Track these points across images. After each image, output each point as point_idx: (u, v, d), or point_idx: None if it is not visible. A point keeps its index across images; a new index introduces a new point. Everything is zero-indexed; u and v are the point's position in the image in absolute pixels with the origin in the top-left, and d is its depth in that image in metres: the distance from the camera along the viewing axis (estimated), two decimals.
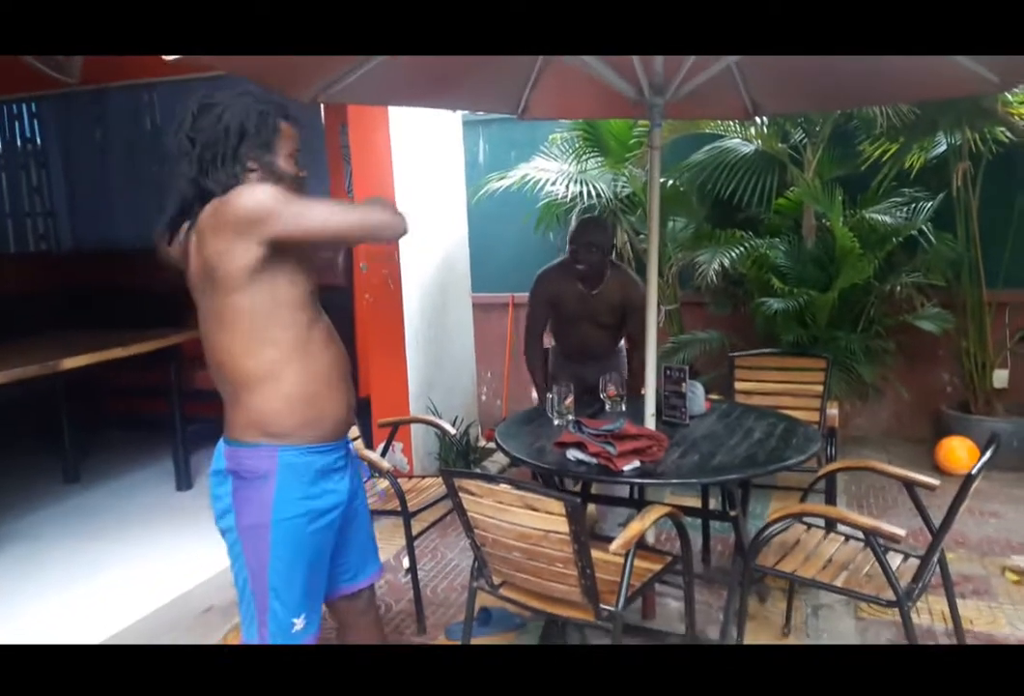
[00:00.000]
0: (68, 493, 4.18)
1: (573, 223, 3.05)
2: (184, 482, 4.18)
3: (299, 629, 1.73)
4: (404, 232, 1.70)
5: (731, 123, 4.15)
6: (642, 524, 2.10)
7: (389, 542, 3.55)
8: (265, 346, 1.64)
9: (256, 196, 1.56)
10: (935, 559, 2.18)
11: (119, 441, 4.94)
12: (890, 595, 2.09)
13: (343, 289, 4.67)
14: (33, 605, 2.97)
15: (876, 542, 2.09)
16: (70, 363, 3.39)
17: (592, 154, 4.50)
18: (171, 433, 4.17)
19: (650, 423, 2.64)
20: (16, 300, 4.95)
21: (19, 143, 5.48)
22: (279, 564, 1.68)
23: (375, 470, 3.09)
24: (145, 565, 3.28)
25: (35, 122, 5.45)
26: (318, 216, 1.60)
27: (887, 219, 3.99)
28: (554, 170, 4.52)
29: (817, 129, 4.12)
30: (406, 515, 2.82)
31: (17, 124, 5.43)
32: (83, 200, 5.55)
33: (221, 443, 1.74)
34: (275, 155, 1.69)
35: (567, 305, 3.22)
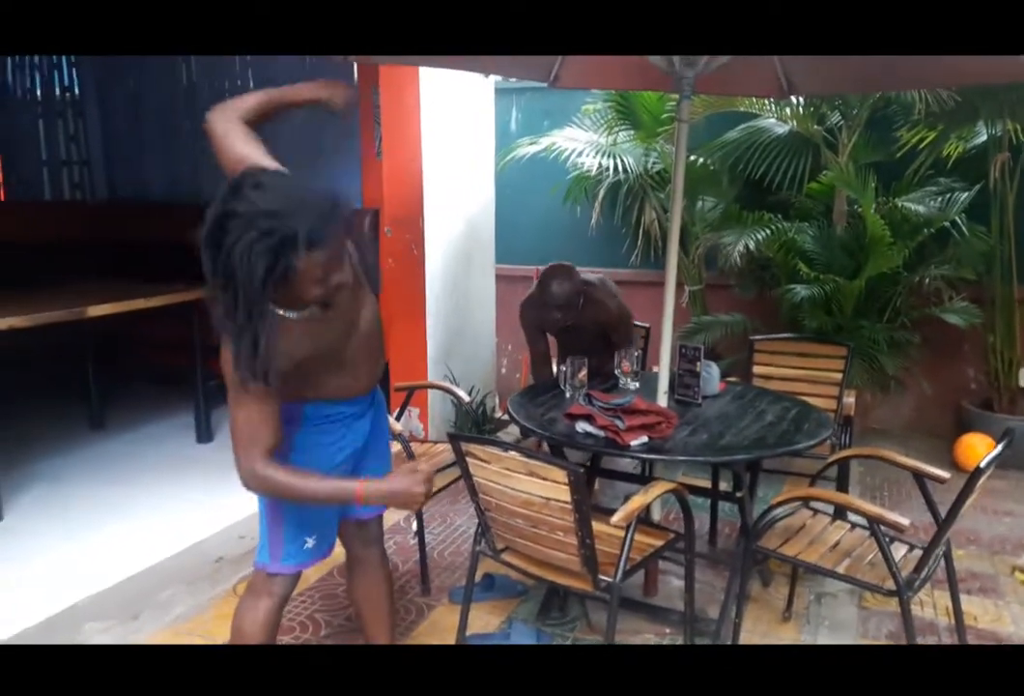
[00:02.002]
0: (92, 439, 4.27)
1: (540, 276, 2.91)
2: (204, 435, 4.25)
3: (310, 546, 1.90)
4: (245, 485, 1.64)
5: (766, 102, 4.07)
6: (644, 498, 2.12)
7: None
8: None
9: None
10: (939, 551, 2.17)
11: (143, 393, 5.02)
12: (891, 584, 2.09)
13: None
14: (52, 545, 3.05)
15: (879, 530, 2.09)
16: (94, 311, 3.45)
17: (624, 126, 4.44)
18: (193, 387, 4.24)
19: (662, 401, 2.65)
20: (50, 248, 5.02)
21: (57, 91, 5.52)
22: None
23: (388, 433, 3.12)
24: (162, 513, 3.35)
25: (73, 71, 5.47)
26: (233, 421, 1.62)
27: (920, 208, 3.91)
28: (583, 140, 4.47)
29: (854, 112, 4.03)
30: None
31: (56, 73, 5.46)
32: (117, 150, 5.60)
33: None
34: (294, 290, 1.52)
35: (553, 330, 3.15)
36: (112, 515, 3.33)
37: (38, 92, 5.50)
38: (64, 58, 5.44)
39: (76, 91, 5.53)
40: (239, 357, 1.52)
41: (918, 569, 2.10)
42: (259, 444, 1.61)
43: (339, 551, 3.13)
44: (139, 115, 5.43)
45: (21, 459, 3.87)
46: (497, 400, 4.74)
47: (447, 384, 3.62)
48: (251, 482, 1.63)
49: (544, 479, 1.96)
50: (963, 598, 2.47)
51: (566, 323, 2.97)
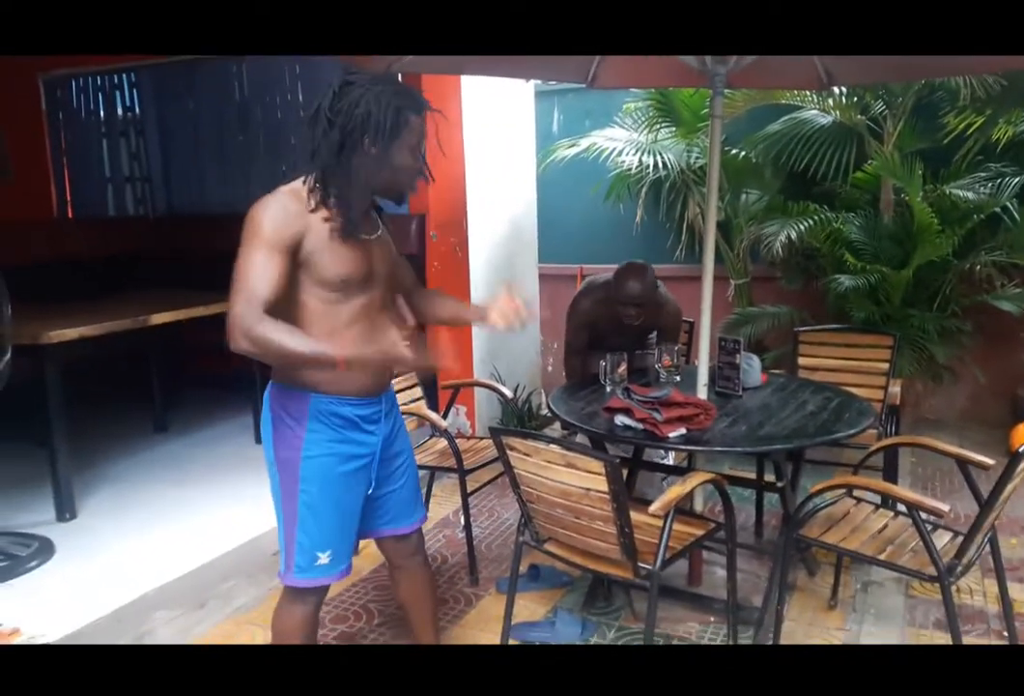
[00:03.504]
0: (157, 442, 4.48)
1: (615, 277, 3.01)
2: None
3: (323, 563, 1.84)
4: (232, 342, 1.61)
5: (808, 93, 4.06)
6: (683, 488, 2.16)
7: (448, 500, 3.70)
8: (295, 309, 1.73)
9: (256, 211, 1.66)
10: (982, 537, 2.16)
11: (202, 397, 5.23)
12: (932, 571, 2.09)
13: (416, 256, 4.81)
14: (121, 541, 3.21)
15: (919, 516, 2.09)
16: (157, 319, 3.63)
17: (664, 124, 4.47)
18: (250, 390, 4.40)
19: (702, 393, 2.68)
20: (115, 261, 5.27)
21: (120, 112, 5.78)
22: (307, 497, 1.80)
23: (435, 429, 3.22)
24: (222, 510, 3.50)
25: (134, 91, 5.73)
26: (240, 268, 1.64)
27: (969, 195, 3.86)
28: (623, 139, 4.51)
29: (898, 100, 3.99)
30: (461, 472, 2.94)
31: (118, 93, 5.72)
32: (176, 167, 5.84)
33: (269, 383, 1.86)
34: (399, 147, 1.71)
35: (603, 329, 3.19)
36: (175, 513, 3.49)
37: (101, 113, 5.76)
38: (125, 79, 5.70)
39: (137, 110, 5.78)
40: (318, 191, 1.69)
41: (959, 555, 2.10)
42: (260, 296, 1.59)
43: None
44: (195, 132, 5.65)
45: (91, 462, 4.07)
46: (543, 397, 4.80)
47: (491, 382, 3.70)
48: (241, 337, 1.58)
49: (582, 470, 2.01)
50: (1014, 586, 2.45)
51: (636, 321, 3.01)
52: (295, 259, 1.68)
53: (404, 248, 4.81)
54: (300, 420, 1.78)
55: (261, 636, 2.61)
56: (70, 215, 6.02)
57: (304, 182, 1.72)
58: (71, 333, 3.24)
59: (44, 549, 3.13)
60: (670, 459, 3.28)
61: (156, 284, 4.87)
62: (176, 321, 3.77)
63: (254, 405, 4.41)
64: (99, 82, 5.73)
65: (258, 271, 1.61)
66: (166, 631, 2.64)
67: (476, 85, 3.98)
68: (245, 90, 5.41)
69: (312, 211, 1.70)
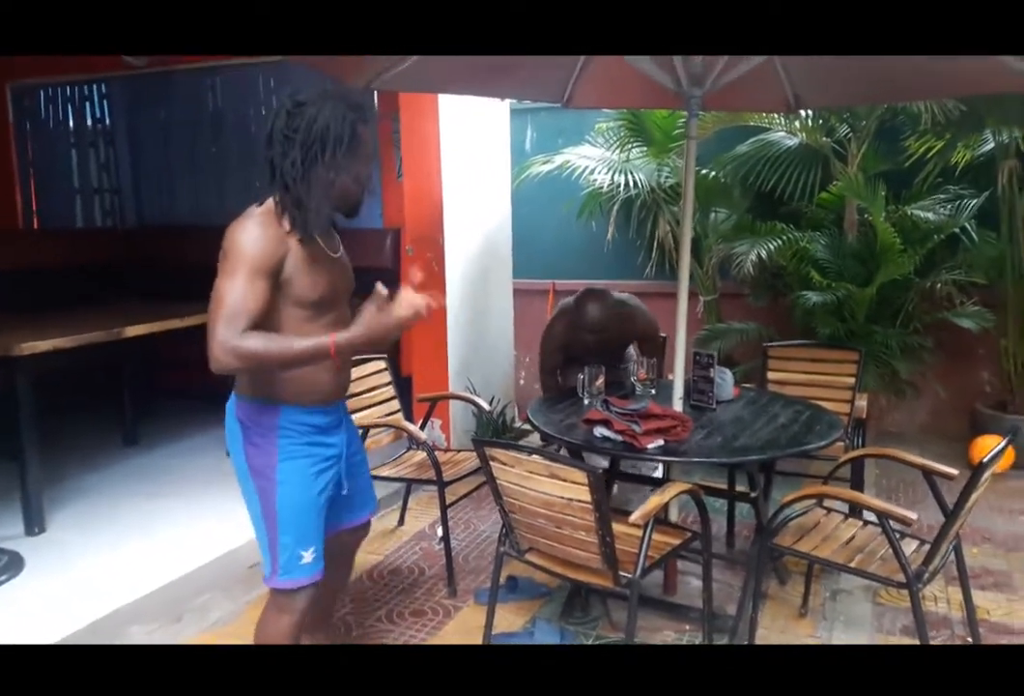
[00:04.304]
0: (127, 455, 4.42)
1: (575, 301, 3.11)
2: None
3: (308, 561, 1.91)
4: (216, 363, 1.65)
5: (775, 116, 4.18)
6: (661, 498, 2.21)
7: (424, 512, 3.72)
8: (271, 328, 1.76)
9: (237, 234, 1.70)
10: (947, 545, 2.25)
11: (173, 410, 5.18)
12: (901, 577, 2.17)
13: (390, 271, 4.84)
14: (93, 555, 3.17)
15: (889, 525, 2.17)
16: (132, 331, 3.60)
17: (636, 143, 4.57)
18: (222, 403, 4.37)
19: (678, 406, 2.74)
20: (83, 272, 5.21)
21: (89, 122, 5.74)
22: (286, 499, 1.88)
23: (413, 442, 3.24)
24: (196, 523, 3.47)
25: (104, 102, 5.70)
26: (221, 291, 1.67)
27: (930, 216, 4.00)
28: (596, 158, 4.60)
29: (862, 124, 4.14)
30: (441, 484, 2.96)
31: (87, 104, 5.69)
32: (147, 178, 5.82)
33: (232, 396, 1.93)
34: (355, 157, 1.78)
35: (579, 349, 3.27)
36: (148, 526, 3.45)
37: (70, 123, 5.72)
38: (95, 89, 5.67)
39: (107, 121, 5.75)
40: (287, 196, 1.74)
41: (927, 562, 2.18)
42: (242, 318, 1.63)
43: (368, 556, 3.26)
44: (166, 143, 5.64)
45: (59, 475, 4.01)
46: (516, 411, 4.84)
47: (468, 394, 3.74)
48: (227, 356, 1.61)
49: (565, 481, 2.06)
50: (977, 593, 2.55)
51: (599, 346, 3.12)
52: (275, 281, 1.73)
53: (378, 262, 4.87)
54: (272, 429, 1.86)
55: None
56: (36, 226, 5.96)
57: (274, 203, 1.76)
58: (44, 345, 3.21)
59: (13, 563, 3.08)
60: (659, 471, 3.34)
61: (126, 296, 4.84)
62: (149, 333, 3.75)
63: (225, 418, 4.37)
64: (68, 92, 5.70)
65: (239, 294, 1.65)
66: (144, 644, 2.62)
67: (453, 103, 4.04)
68: (218, 101, 5.42)
69: (289, 233, 1.75)
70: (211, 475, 4.06)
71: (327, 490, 1.96)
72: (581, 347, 3.22)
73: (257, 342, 1.64)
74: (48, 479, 3.82)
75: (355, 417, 3.13)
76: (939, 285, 4.14)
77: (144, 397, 4.85)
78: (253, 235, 1.70)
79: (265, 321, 1.72)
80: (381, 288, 1.71)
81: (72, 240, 5.61)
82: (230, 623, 2.78)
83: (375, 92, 4.59)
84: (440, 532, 3.39)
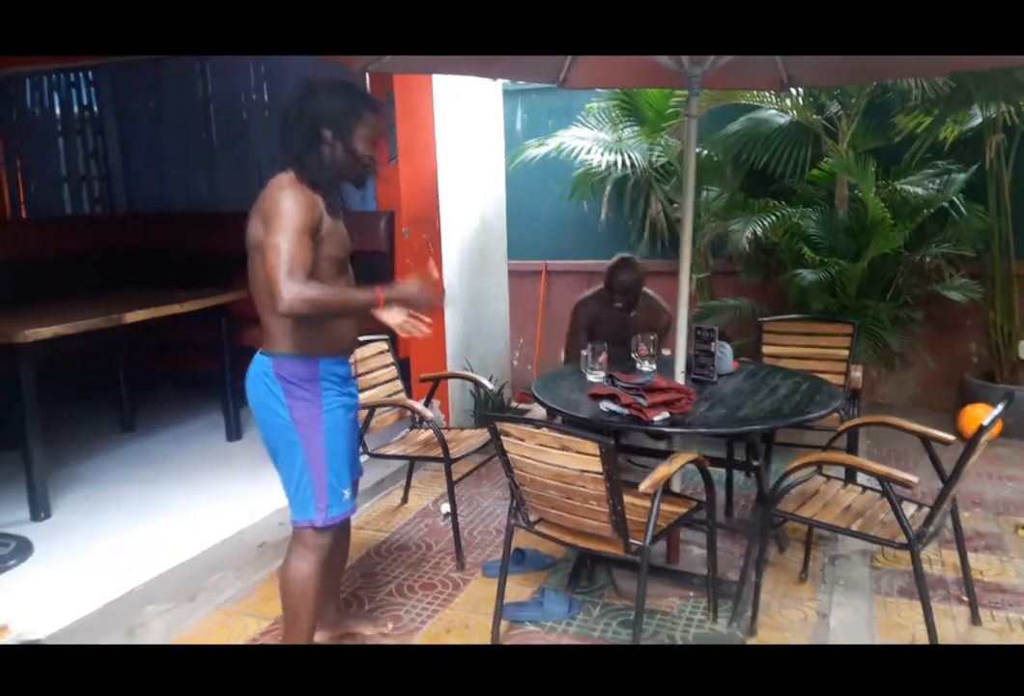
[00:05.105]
0: (125, 441, 4.44)
1: (608, 268, 3.59)
2: (234, 433, 4.40)
3: (347, 499, 2.17)
4: (279, 308, 1.85)
5: (767, 94, 4.22)
6: (670, 468, 2.27)
7: (427, 490, 3.77)
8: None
9: (280, 199, 1.91)
10: (946, 507, 2.32)
11: (170, 396, 5.20)
12: (902, 539, 2.24)
13: (384, 254, 4.85)
14: (101, 539, 3.20)
15: (890, 489, 2.24)
16: (132, 317, 3.61)
17: (628, 123, 4.60)
18: (221, 388, 4.39)
19: (679, 380, 2.80)
20: (74, 260, 5.19)
21: (76, 109, 5.69)
22: (332, 445, 2.11)
23: (419, 420, 3.29)
24: (202, 507, 3.50)
25: (91, 89, 5.65)
26: (277, 247, 1.86)
27: (919, 190, 4.06)
28: (590, 138, 4.62)
29: (853, 101, 4.18)
30: (448, 461, 3.01)
31: (74, 91, 5.64)
32: (136, 164, 5.78)
33: (264, 356, 2.09)
34: (356, 139, 2.05)
35: (605, 327, 3.63)
36: (153, 510, 3.48)
37: (57, 110, 5.67)
38: (82, 76, 5.62)
39: (95, 108, 5.70)
40: (314, 167, 1.98)
41: (927, 523, 2.25)
42: (302, 267, 1.86)
43: (375, 534, 3.31)
44: (156, 129, 5.60)
45: (58, 461, 4.02)
46: (511, 391, 4.88)
47: (470, 374, 3.78)
48: (298, 302, 1.83)
49: (576, 452, 2.11)
50: (970, 555, 2.62)
51: (627, 315, 3.46)
52: (315, 239, 1.95)
53: (373, 245, 4.89)
54: (314, 382, 2.08)
55: (254, 626, 2.65)
56: (24, 215, 5.91)
57: (296, 173, 1.98)
58: (46, 332, 3.22)
59: (22, 548, 3.10)
60: (663, 444, 3.46)
61: (119, 283, 4.83)
62: (145, 320, 3.75)
63: (225, 402, 4.40)
64: (55, 80, 5.64)
65: (294, 249, 1.87)
66: (158, 624, 2.65)
67: (447, 84, 4.04)
68: (208, 87, 5.39)
69: (316, 197, 1.98)
70: (210, 460, 4.10)
71: (355, 436, 2.27)
72: (607, 327, 3.54)
73: (323, 290, 1.89)
74: (49, 466, 3.84)
75: (361, 397, 3.17)
76: (928, 259, 4.22)
77: (141, 383, 4.86)
78: (296, 198, 1.91)
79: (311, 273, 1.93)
80: (432, 266, 2.19)
81: (61, 228, 5.56)
82: (242, 600, 2.83)
83: (367, 76, 4.59)
84: (444, 508, 3.46)
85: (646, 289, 3.69)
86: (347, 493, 2.17)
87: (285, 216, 1.89)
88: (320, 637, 2.43)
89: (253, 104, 5.32)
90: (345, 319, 2.13)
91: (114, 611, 2.70)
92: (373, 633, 2.58)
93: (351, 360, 2.31)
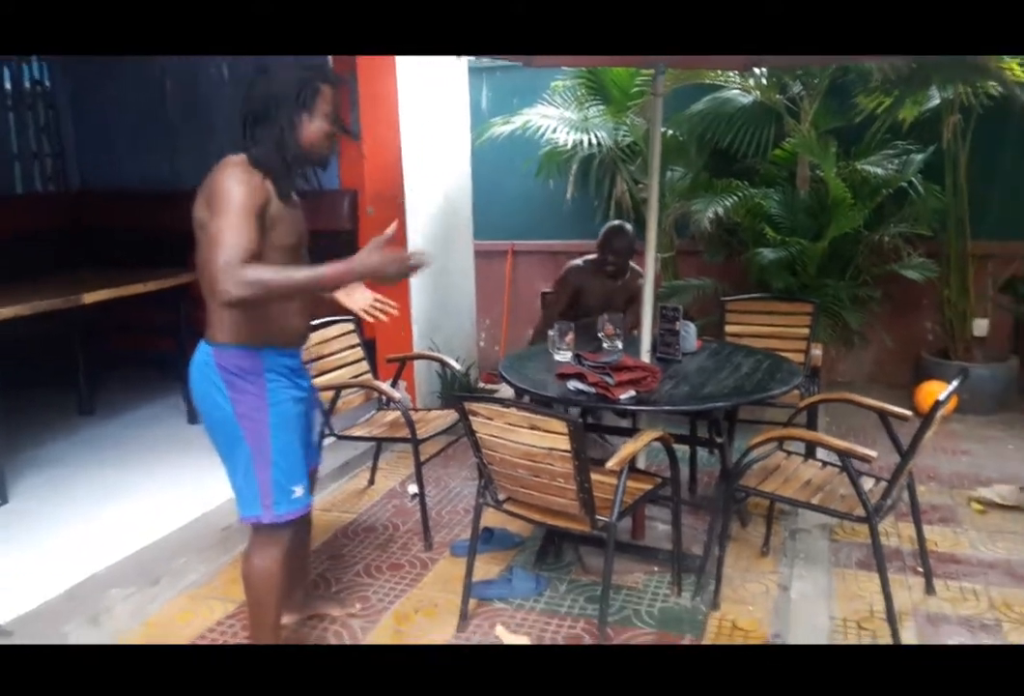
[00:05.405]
0: (84, 424, 4.35)
1: (602, 232, 3.59)
2: (195, 415, 4.34)
3: (299, 496, 2.08)
4: (221, 296, 1.74)
5: (730, 74, 4.23)
6: (636, 445, 2.30)
7: (394, 471, 3.77)
8: None
9: (224, 181, 1.81)
10: (903, 481, 2.38)
11: (129, 378, 5.10)
12: (860, 512, 2.30)
13: (349, 232, 4.80)
14: (61, 525, 3.16)
15: (850, 463, 2.29)
16: (91, 298, 3.54)
17: (594, 102, 4.58)
18: (180, 370, 4.31)
19: (645, 359, 2.83)
20: (27, 240, 5.05)
21: (28, 84, 5.51)
22: (278, 441, 2.01)
23: (385, 401, 3.28)
24: (164, 490, 3.46)
25: (43, 64, 5.47)
26: (220, 230, 1.76)
27: (879, 170, 4.12)
28: (556, 117, 4.60)
29: (815, 81, 4.21)
30: (415, 442, 3.01)
31: (25, 66, 5.45)
32: (91, 141, 5.62)
33: (204, 344, 2.01)
34: (313, 115, 1.94)
35: (591, 295, 3.66)
36: (115, 494, 3.44)
37: (7, 85, 5.47)
38: None
39: (46, 82, 5.52)
40: (265, 149, 1.88)
41: (884, 497, 2.31)
42: (243, 252, 1.74)
43: (342, 515, 3.31)
44: (111, 105, 5.45)
45: (13, 446, 3.93)
46: (478, 372, 4.89)
47: (437, 354, 3.77)
48: (238, 287, 1.70)
49: (544, 431, 2.13)
50: (925, 528, 2.70)
51: (615, 283, 3.51)
52: (261, 225, 1.84)
53: (336, 224, 4.83)
54: (258, 374, 1.99)
55: (220, 609, 2.64)
56: None
57: (247, 155, 1.89)
58: (6, 312, 3.14)
59: None
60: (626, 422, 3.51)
61: (74, 263, 4.72)
62: (102, 300, 3.67)
63: (184, 386, 4.32)
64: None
65: (237, 231, 1.76)
66: (123, 608, 2.63)
67: (410, 60, 3.99)
68: (164, 62, 5.24)
69: (264, 181, 1.88)
70: (171, 443, 4.04)
71: (305, 430, 2.15)
72: (593, 293, 3.60)
73: (264, 272, 1.75)
74: (5, 451, 3.76)
75: (325, 378, 3.16)
76: (887, 238, 4.29)
77: (98, 366, 4.77)
78: (241, 179, 1.82)
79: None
80: (390, 230, 1.95)
81: (12, 207, 5.41)
82: (207, 584, 2.81)
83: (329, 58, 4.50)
84: (411, 489, 3.47)
85: (634, 265, 3.70)
86: (299, 490, 2.07)
87: (229, 198, 1.79)
88: (287, 619, 2.42)
89: (211, 79, 5.19)
90: (294, 309, 2.01)
91: (79, 595, 2.67)
92: (340, 614, 2.59)
93: (303, 349, 2.17)
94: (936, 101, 4.18)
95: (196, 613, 2.63)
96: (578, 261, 3.73)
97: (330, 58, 4.52)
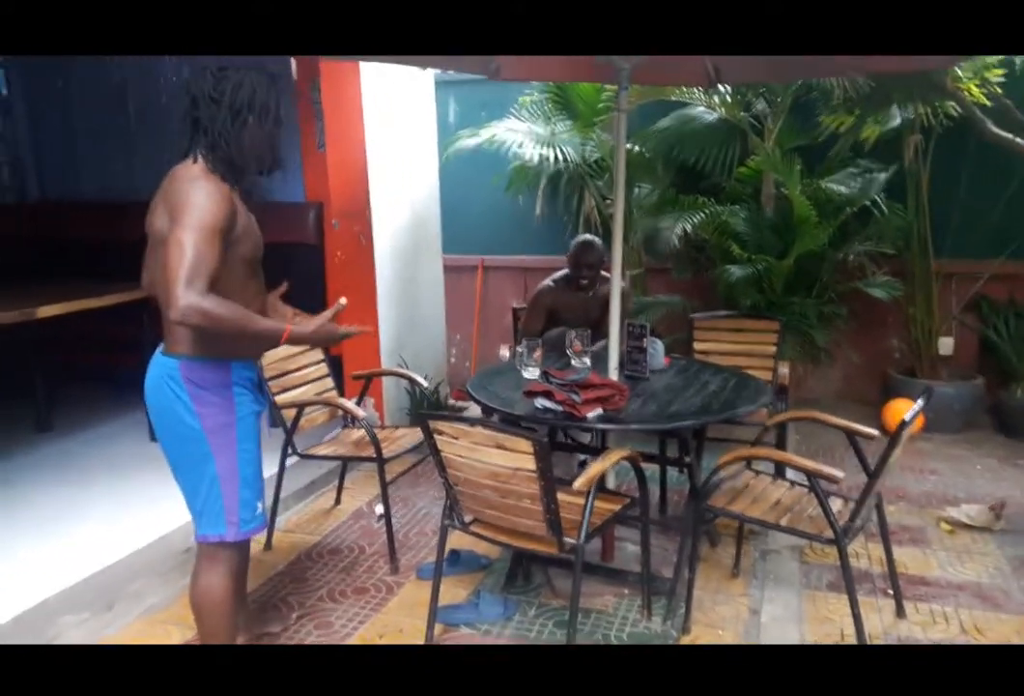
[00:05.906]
0: (42, 442, 4.22)
1: (572, 246, 3.54)
2: None
3: (260, 512, 2.07)
4: (171, 315, 1.69)
5: (696, 90, 4.25)
6: (603, 464, 2.26)
7: (361, 491, 3.70)
8: (217, 286, 1.78)
9: (190, 194, 1.75)
10: (871, 501, 2.37)
11: (88, 393, 4.97)
12: (829, 533, 2.28)
13: (313, 246, 4.73)
14: (14, 546, 3.04)
15: (818, 484, 2.28)
16: (45, 311, 3.44)
17: (561, 117, 4.58)
18: (142, 384, 4.21)
19: (613, 376, 2.80)
20: None
21: None
22: (245, 455, 1.99)
23: (349, 420, 3.21)
24: (124, 510, 3.35)
25: (0, 70, 5.36)
26: (181, 248, 1.70)
27: (843, 189, 4.15)
28: (523, 131, 4.58)
29: (778, 99, 4.25)
30: (380, 461, 2.95)
31: None
32: (49, 150, 5.51)
33: (167, 358, 1.91)
34: (276, 122, 1.92)
35: (567, 311, 3.61)
36: (72, 514, 3.33)
37: None
38: None
39: (2, 89, 5.41)
40: (215, 155, 1.84)
41: (853, 518, 2.29)
42: (203, 277, 1.69)
43: (306, 537, 3.23)
44: (69, 113, 5.35)
45: None
46: (449, 388, 4.83)
47: (404, 370, 3.71)
48: (192, 314, 1.67)
49: (510, 450, 2.08)
50: (895, 549, 2.69)
51: (588, 295, 3.50)
52: (228, 238, 1.80)
53: (301, 237, 4.75)
54: (226, 387, 1.94)
55: (177, 634, 2.56)
56: None
57: (206, 163, 1.84)
58: None
59: None
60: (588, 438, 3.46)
61: (34, 274, 4.59)
62: (61, 314, 3.58)
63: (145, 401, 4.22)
64: None
65: (201, 252, 1.71)
66: (75, 634, 2.54)
67: (375, 72, 3.95)
68: (123, 69, 5.15)
69: (232, 192, 1.85)
70: (133, 461, 3.92)
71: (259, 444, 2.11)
72: (568, 310, 3.55)
73: (224, 309, 1.72)
74: None
75: (289, 396, 3.09)
76: (851, 256, 4.32)
77: (57, 381, 4.64)
78: (210, 192, 1.77)
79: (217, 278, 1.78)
80: (343, 301, 2.00)
81: None
82: (165, 608, 2.72)
83: (291, 59, 4.45)
84: (379, 510, 3.39)
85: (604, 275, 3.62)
86: (261, 506, 2.06)
87: (196, 212, 1.72)
88: (241, 640, 2.35)
89: (171, 88, 5.10)
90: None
91: (28, 621, 2.57)
92: (280, 629, 2.56)
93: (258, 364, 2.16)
94: (897, 121, 4.23)
95: (151, 639, 2.54)
96: (547, 282, 3.67)
97: (293, 64, 4.49)
